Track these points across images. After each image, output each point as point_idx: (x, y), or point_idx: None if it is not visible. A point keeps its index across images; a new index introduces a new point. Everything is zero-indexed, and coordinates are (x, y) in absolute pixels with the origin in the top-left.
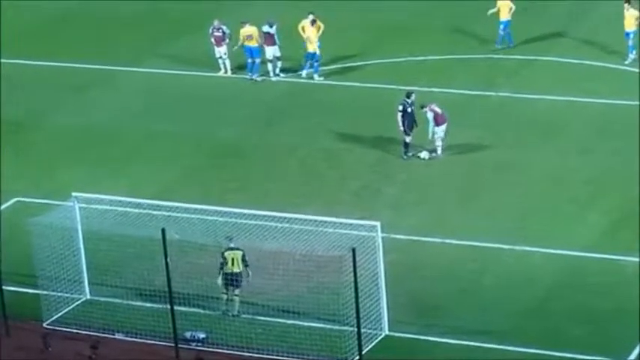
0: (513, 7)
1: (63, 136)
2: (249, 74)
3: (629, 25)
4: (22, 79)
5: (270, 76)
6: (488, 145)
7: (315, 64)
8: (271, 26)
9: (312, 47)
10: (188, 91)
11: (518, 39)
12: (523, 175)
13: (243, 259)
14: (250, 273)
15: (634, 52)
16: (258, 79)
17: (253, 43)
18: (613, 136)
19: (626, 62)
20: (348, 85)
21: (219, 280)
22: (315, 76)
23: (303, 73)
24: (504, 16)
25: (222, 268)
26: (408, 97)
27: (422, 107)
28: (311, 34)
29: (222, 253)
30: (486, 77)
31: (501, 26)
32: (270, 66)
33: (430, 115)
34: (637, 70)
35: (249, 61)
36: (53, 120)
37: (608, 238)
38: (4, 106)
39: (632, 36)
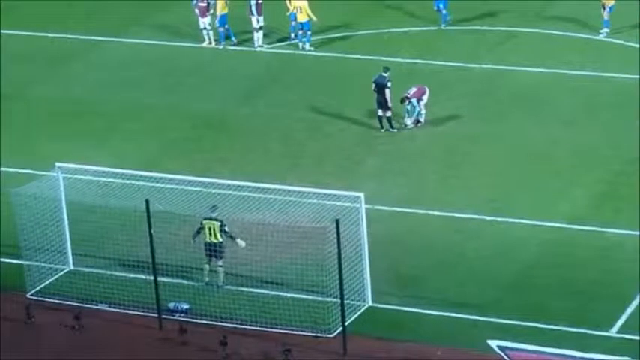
0: None
1: (44, 107)
2: (233, 41)
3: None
4: (4, 50)
5: (254, 47)
6: (472, 117)
7: (308, 33)
8: None
9: (304, 16)
10: (171, 62)
11: (501, 10)
12: (506, 148)
13: (222, 230)
14: (241, 242)
15: (609, 25)
16: (240, 48)
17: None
18: (597, 108)
19: (600, 36)
20: (332, 56)
21: (192, 241)
22: (307, 46)
23: (304, 45)
24: None
25: (197, 235)
26: (386, 71)
27: (402, 102)
28: (303, 3)
29: (202, 221)
30: (470, 49)
31: (440, 5)
32: (255, 35)
33: (414, 101)
34: (622, 43)
35: (226, 27)
36: (34, 91)
37: (592, 211)
38: None
39: (608, 11)
